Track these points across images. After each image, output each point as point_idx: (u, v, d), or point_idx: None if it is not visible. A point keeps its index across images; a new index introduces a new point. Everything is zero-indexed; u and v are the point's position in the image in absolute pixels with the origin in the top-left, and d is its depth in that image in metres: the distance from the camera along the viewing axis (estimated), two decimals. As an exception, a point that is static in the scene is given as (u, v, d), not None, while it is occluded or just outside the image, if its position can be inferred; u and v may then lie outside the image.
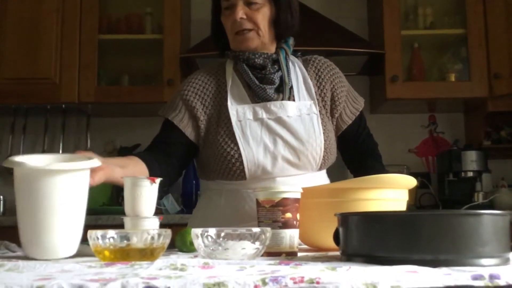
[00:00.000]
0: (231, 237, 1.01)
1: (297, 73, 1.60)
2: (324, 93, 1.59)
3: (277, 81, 1.56)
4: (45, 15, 3.04)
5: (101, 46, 3.09)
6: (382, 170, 1.59)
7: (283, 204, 1.12)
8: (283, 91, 1.55)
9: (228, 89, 1.56)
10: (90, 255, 1.02)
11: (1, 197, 3.17)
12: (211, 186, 1.61)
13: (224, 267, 0.87)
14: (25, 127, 3.28)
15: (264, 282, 0.70)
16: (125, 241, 0.97)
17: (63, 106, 3.18)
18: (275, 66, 1.57)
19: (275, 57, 1.57)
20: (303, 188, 1.18)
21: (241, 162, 1.49)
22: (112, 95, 3.07)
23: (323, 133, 1.53)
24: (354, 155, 1.67)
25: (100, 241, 0.96)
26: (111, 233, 0.97)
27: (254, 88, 1.54)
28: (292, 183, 1.42)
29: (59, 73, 3.03)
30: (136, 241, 0.98)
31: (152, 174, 1.38)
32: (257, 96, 1.55)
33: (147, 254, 0.97)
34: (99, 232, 0.96)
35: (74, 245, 1.06)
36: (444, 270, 0.78)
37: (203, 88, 1.58)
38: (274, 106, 1.53)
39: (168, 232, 1.01)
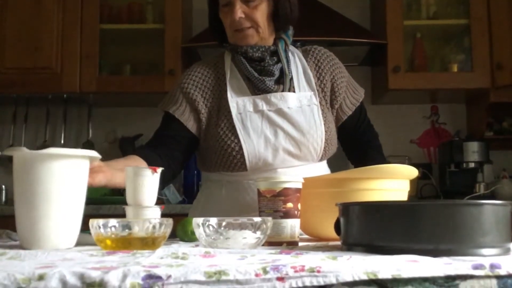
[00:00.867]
0: (232, 227, 1.01)
1: (297, 64, 1.59)
2: (324, 84, 1.58)
3: (276, 73, 1.54)
4: (46, 4, 3.04)
5: (102, 36, 3.08)
6: (383, 160, 1.59)
7: (284, 194, 1.13)
8: (284, 82, 1.55)
9: (227, 82, 1.56)
10: (91, 243, 1.03)
11: (3, 186, 3.18)
12: (212, 177, 1.61)
13: (225, 256, 0.87)
14: (26, 117, 3.29)
15: (265, 271, 0.70)
16: (126, 230, 0.98)
17: (65, 96, 3.19)
18: (274, 57, 1.56)
19: (273, 49, 1.56)
20: (304, 178, 1.18)
21: (242, 155, 1.48)
22: (113, 85, 3.07)
23: (324, 124, 1.53)
24: (355, 145, 1.67)
25: (102, 230, 0.97)
26: (113, 222, 0.98)
27: (254, 80, 1.54)
28: (293, 174, 1.42)
29: (60, 63, 3.03)
30: (138, 230, 0.98)
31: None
32: (257, 88, 1.54)
33: (149, 243, 0.98)
34: (101, 221, 0.96)
35: (72, 237, 1.04)
36: (444, 259, 0.78)
37: (202, 81, 1.57)
38: (274, 97, 1.52)
39: (169, 221, 1.01)
